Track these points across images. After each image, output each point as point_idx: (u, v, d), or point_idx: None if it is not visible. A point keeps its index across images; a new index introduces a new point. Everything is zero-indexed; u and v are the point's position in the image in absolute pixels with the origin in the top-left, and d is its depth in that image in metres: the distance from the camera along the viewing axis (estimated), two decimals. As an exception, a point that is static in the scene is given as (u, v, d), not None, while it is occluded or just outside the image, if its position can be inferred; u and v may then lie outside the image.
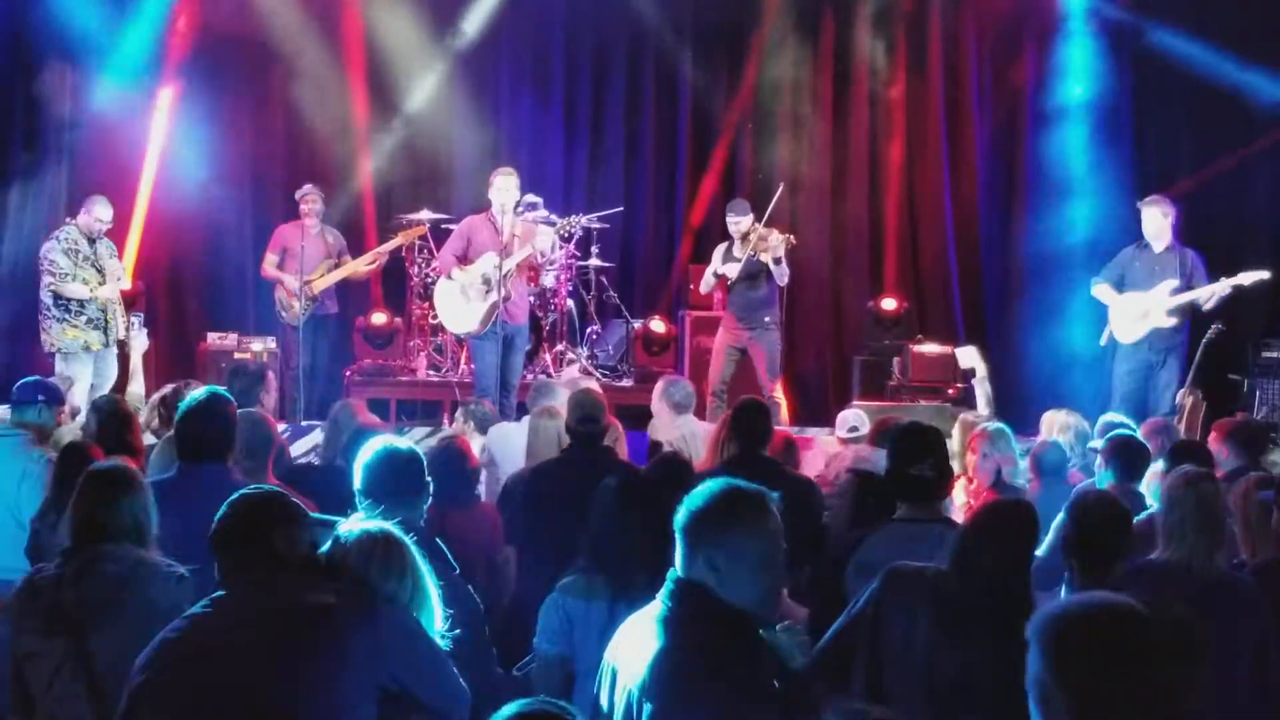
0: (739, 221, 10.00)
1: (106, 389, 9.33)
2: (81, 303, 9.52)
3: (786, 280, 10.02)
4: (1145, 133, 13.00)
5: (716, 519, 3.04)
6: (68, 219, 9.90)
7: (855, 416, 7.75)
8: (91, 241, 9.63)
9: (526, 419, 7.26)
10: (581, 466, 5.55)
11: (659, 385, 7.68)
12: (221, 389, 5.26)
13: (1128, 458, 5.77)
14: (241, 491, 3.47)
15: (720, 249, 10.19)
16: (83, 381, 9.32)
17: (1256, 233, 12.51)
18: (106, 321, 9.61)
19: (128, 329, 9.74)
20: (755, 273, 9.91)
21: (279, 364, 10.78)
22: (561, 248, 11.20)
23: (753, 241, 9.85)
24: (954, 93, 13.05)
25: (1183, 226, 10.22)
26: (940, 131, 13.02)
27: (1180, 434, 7.71)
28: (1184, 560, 4.32)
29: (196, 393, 5.09)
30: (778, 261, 9.77)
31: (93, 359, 9.57)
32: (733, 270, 9.91)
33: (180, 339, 12.04)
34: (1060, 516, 5.27)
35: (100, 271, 9.61)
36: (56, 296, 9.51)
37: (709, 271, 10.16)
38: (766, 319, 9.98)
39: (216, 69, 12.12)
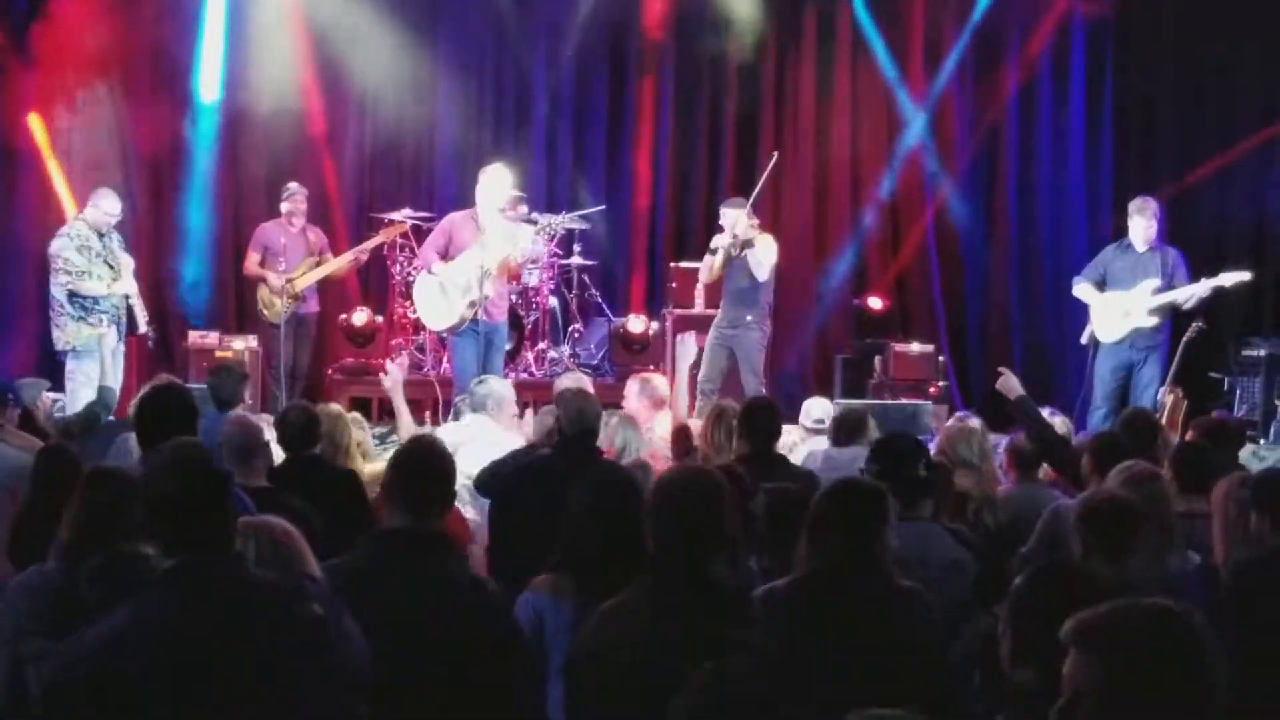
0: (726, 214, 9.97)
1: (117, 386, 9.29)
2: (96, 299, 9.37)
3: (765, 275, 9.84)
4: (1128, 131, 13.04)
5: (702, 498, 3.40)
6: (75, 214, 9.74)
7: (820, 407, 7.63)
8: (101, 235, 9.48)
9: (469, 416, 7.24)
10: (568, 469, 5.53)
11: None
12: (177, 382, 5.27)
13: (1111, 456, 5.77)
14: None
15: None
16: (94, 380, 9.16)
17: (1238, 232, 12.57)
18: (123, 317, 9.48)
19: (149, 324, 9.71)
20: (739, 270, 9.88)
21: (260, 362, 10.75)
22: (545, 245, 11.17)
23: (738, 237, 9.83)
24: (936, 90, 13.05)
25: (1165, 226, 10.25)
26: (923, 126, 13.04)
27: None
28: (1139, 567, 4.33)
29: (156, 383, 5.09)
30: (748, 245, 9.68)
31: (106, 356, 9.41)
32: (718, 254, 9.85)
33: (161, 337, 11.96)
34: (1048, 510, 5.32)
35: (112, 266, 9.47)
36: (71, 294, 9.35)
37: (703, 264, 10.14)
38: (749, 317, 9.92)
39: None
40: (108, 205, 9.55)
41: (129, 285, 9.55)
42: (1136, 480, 4.58)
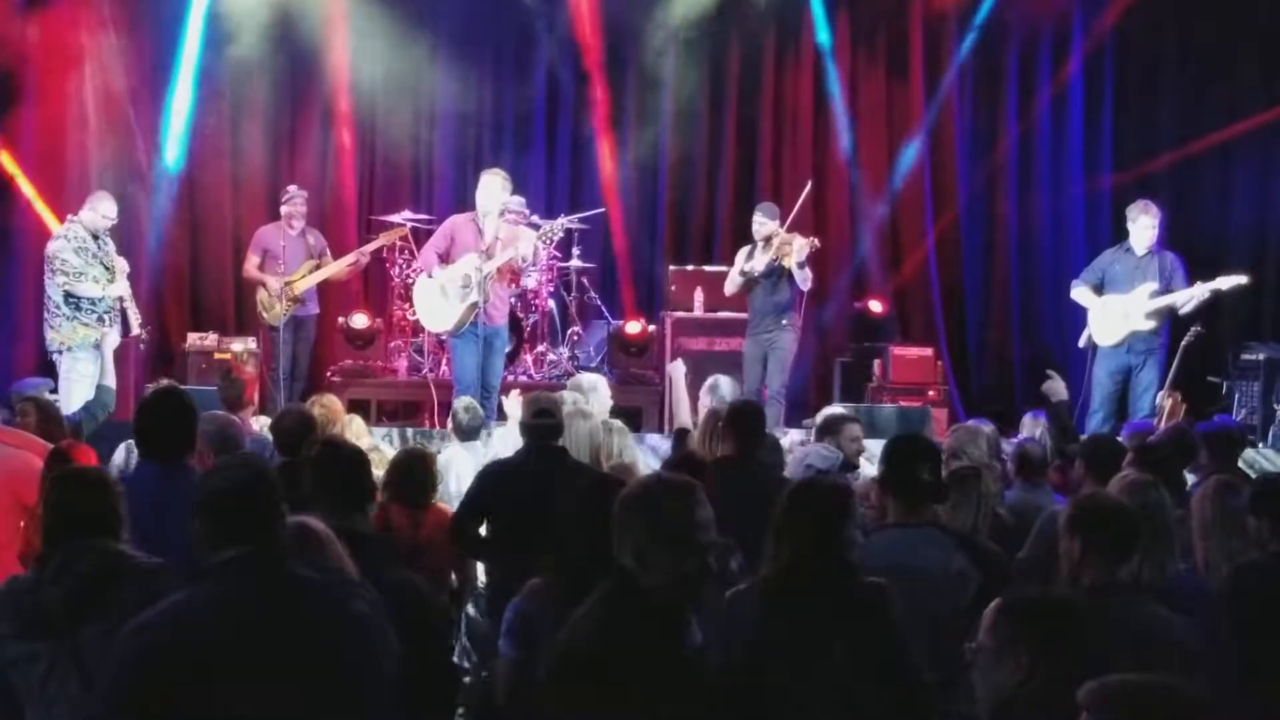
0: (764, 224, 10.10)
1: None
2: (92, 300, 9.39)
3: (810, 285, 10.07)
4: (1127, 135, 13.04)
5: (634, 504, 3.36)
6: (71, 215, 9.75)
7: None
8: (96, 238, 9.51)
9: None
10: (535, 466, 5.56)
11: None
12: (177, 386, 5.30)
13: (1105, 459, 5.79)
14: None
15: (743, 251, 10.28)
16: (88, 379, 9.12)
17: (1237, 236, 12.58)
18: (120, 317, 9.50)
19: (141, 325, 9.73)
20: (777, 277, 10.01)
21: (259, 365, 10.76)
22: (545, 248, 11.18)
23: (775, 246, 9.95)
24: (935, 93, 13.06)
25: (1165, 230, 10.25)
26: (922, 131, 13.05)
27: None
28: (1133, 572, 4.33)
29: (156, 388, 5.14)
30: (801, 266, 9.84)
31: (99, 357, 9.27)
32: (760, 265, 10.00)
33: (161, 339, 11.99)
34: (1045, 515, 5.32)
35: (108, 269, 9.49)
36: (68, 295, 9.36)
37: (733, 272, 10.24)
38: (784, 321, 10.07)
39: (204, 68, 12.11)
40: (104, 208, 9.57)
41: (123, 288, 9.57)
42: (1134, 489, 4.56)
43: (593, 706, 3.23)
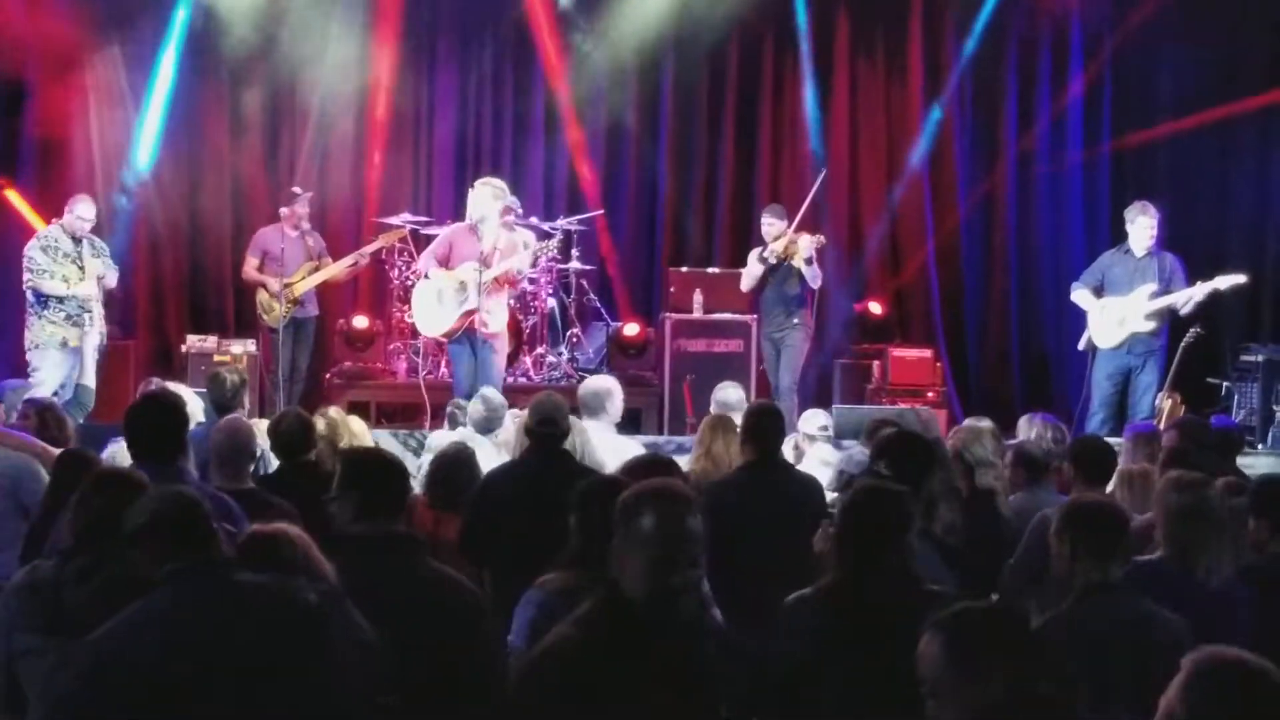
0: (773, 224, 10.36)
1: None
2: (60, 299, 9.57)
3: (820, 282, 10.35)
4: (1126, 135, 13.03)
5: (620, 511, 3.30)
6: (53, 219, 9.97)
7: (820, 417, 7.75)
8: (76, 240, 9.71)
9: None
10: (539, 470, 5.54)
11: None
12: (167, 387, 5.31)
13: (1092, 460, 5.79)
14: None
15: (755, 252, 10.49)
16: (54, 377, 9.42)
17: (1236, 237, 12.57)
18: (85, 318, 9.63)
19: (102, 334, 9.83)
20: (787, 275, 10.25)
21: (259, 366, 10.77)
22: (540, 255, 11.12)
23: (783, 245, 10.17)
24: (935, 96, 13.05)
25: (1165, 231, 10.25)
26: (923, 132, 13.04)
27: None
28: (1188, 566, 4.33)
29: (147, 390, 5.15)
30: (809, 263, 10.08)
31: (68, 355, 9.59)
32: (773, 250, 10.20)
33: (160, 340, 12.00)
34: (1037, 518, 5.31)
35: (82, 269, 9.65)
36: (36, 293, 9.58)
37: (748, 270, 10.48)
38: (795, 320, 10.28)
39: (201, 70, 12.11)
40: (81, 210, 9.80)
41: (90, 289, 9.67)
42: (1187, 486, 4.52)
43: (557, 714, 3.20)
